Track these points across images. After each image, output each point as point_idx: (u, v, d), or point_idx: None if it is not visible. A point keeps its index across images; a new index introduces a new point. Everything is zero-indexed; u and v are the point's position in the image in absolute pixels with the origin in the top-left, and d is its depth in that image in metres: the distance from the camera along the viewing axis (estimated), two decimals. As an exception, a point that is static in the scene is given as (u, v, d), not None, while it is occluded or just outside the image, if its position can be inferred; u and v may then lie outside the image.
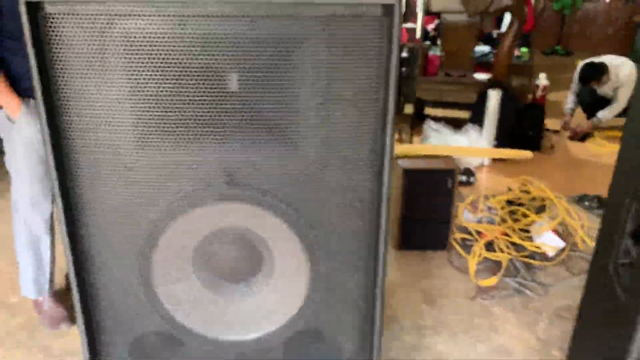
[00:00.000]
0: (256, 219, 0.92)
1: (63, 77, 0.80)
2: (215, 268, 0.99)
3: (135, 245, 0.91)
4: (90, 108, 0.82)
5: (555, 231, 2.21)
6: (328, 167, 0.87)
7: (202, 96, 0.83)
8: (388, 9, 0.78)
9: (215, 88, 0.82)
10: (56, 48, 0.79)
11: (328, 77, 0.82)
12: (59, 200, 0.86)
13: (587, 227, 2.37)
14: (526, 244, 2.14)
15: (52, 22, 0.77)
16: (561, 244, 2.14)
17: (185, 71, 0.81)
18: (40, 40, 0.78)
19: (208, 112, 0.83)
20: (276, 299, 0.99)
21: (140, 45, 0.79)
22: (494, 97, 3.02)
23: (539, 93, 4.06)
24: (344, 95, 0.83)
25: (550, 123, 3.84)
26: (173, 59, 0.80)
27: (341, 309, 0.98)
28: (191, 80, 0.82)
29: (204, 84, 0.82)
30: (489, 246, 2.16)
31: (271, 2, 0.77)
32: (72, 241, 0.89)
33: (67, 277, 1.99)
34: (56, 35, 0.78)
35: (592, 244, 2.21)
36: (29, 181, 1.55)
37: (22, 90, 1.48)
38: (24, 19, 0.76)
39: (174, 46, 0.79)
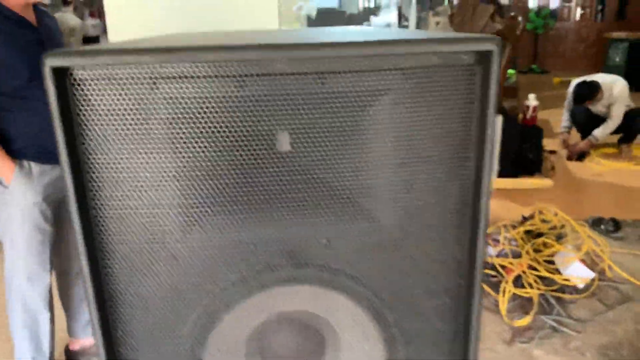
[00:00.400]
0: (322, 301, 0.78)
1: (95, 152, 0.66)
2: (271, 358, 0.84)
3: (182, 346, 0.76)
4: (128, 186, 0.68)
5: (582, 261, 2.12)
6: (409, 239, 0.74)
7: (260, 166, 0.69)
8: (484, 56, 0.67)
9: (276, 156, 0.69)
10: (87, 118, 0.65)
11: (410, 134, 0.70)
12: (90, 296, 0.71)
13: (609, 252, 2.29)
14: (555, 277, 2.04)
15: (82, 89, 0.64)
16: (590, 274, 2.04)
17: (242, 139, 0.68)
18: (67, 108, 0.64)
19: (268, 183, 0.70)
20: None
21: (189, 112, 0.66)
22: (497, 123, 2.96)
23: (529, 114, 4.04)
24: (428, 155, 0.71)
25: (545, 143, 3.81)
26: (227, 125, 0.67)
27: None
28: (248, 148, 0.69)
29: (263, 152, 0.69)
30: (516, 281, 2.05)
31: (349, 56, 0.65)
32: (107, 344, 0.74)
33: (66, 350, 1.80)
34: (87, 103, 0.64)
35: (619, 271, 2.12)
36: (24, 254, 1.38)
37: (15, 152, 1.33)
38: (50, 86, 0.62)
39: (229, 111, 0.66)
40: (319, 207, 0.72)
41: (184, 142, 0.67)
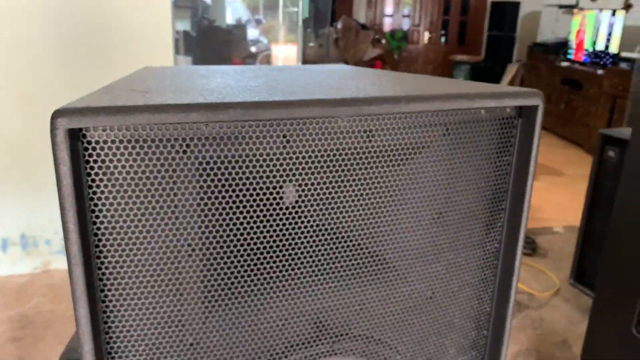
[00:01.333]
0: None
1: (109, 227, 0.53)
2: None
3: None
4: (146, 269, 0.55)
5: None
6: (446, 299, 0.71)
7: (289, 230, 0.61)
8: (527, 110, 0.66)
9: (310, 220, 0.61)
10: (101, 186, 0.51)
11: (447, 189, 0.67)
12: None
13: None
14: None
15: (98, 153, 0.50)
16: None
17: (277, 202, 0.59)
18: (78, 174, 0.50)
19: (296, 249, 0.62)
20: None
21: (224, 176, 0.55)
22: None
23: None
24: (466, 210, 0.68)
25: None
26: (264, 188, 0.58)
27: None
28: (283, 213, 0.60)
29: (299, 215, 0.61)
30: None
31: (395, 113, 0.60)
32: None
33: None
34: (102, 171, 0.51)
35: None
36: None
37: None
38: (62, 150, 0.47)
39: (268, 172, 0.57)
40: (352, 272, 0.66)
41: (213, 209, 0.56)
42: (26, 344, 1.94)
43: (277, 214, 0.59)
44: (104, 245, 0.52)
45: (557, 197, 3.56)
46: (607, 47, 4.96)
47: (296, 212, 0.61)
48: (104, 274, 0.53)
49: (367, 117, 0.58)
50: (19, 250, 2.46)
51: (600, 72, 4.78)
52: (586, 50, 5.25)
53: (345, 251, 0.65)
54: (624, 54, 4.79)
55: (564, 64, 5.53)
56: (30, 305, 2.21)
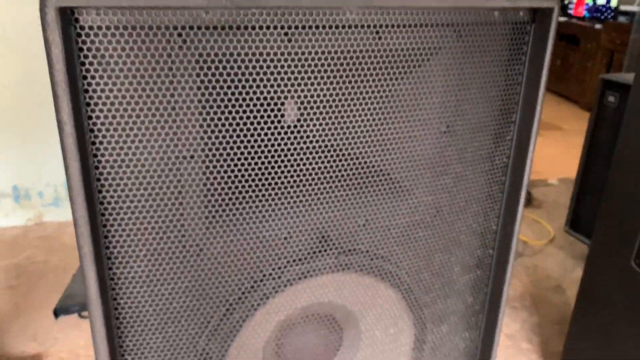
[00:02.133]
0: (348, 288, 0.70)
1: (105, 122, 0.50)
2: (289, 359, 0.74)
3: (200, 358, 0.63)
4: (145, 169, 0.53)
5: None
6: (452, 213, 0.69)
7: (293, 140, 0.59)
8: (541, 14, 0.63)
9: (312, 130, 0.59)
10: (96, 77, 0.48)
11: (458, 98, 0.64)
12: (95, 309, 0.55)
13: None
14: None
15: (92, 40, 0.47)
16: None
17: (278, 106, 0.56)
18: (72, 62, 0.47)
19: (301, 160, 0.60)
20: (367, 381, 0.78)
21: (222, 76, 0.52)
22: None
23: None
24: (476, 121, 0.66)
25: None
26: (265, 90, 0.55)
27: (448, 376, 0.81)
28: (287, 124, 0.57)
29: (304, 125, 0.58)
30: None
31: (407, 7, 0.56)
32: (113, 377, 0.58)
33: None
34: (97, 60, 0.48)
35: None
36: None
37: None
38: (55, 34, 0.44)
39: (270, 69, 0.54)
40: (357, 187, 0.64)
41: (215, 108, 0.53)
42: (21, 292, 1.93)
43: (280, 126, 0.56)
44: (101, 142, 0.49)
45: (553, 151, 3.56)
46: (608, 0, 4.87)
47: (301, 125, 0.58)
48: (101, 173, 0.50)
49: (377, 11, 0.54)
50: (11, 202, 2.43)
51: (598, 26, 4.71)
52: (587, 4, 5.16)
53: (350, 165, 0.63)
54: (623, 8, 4.71)
55: (562, 19, 5.44)
56: (24, 256, 2.19)
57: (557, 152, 3.58)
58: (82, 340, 1.70)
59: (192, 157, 0.53)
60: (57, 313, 1.77)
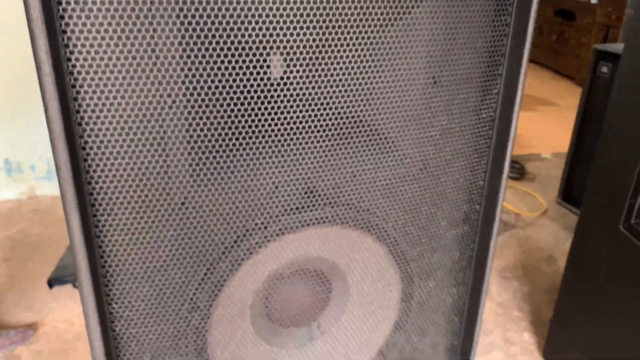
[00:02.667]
0: (336, 243, 0.71)
1: (85, 65, 0.49)
2: (275, 315, 0.75)
3: (185, 315, 0.64)
4: (125, 110, 0.52)
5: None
6: (438, 167, 0.69)
7: (279, 91, 0.58)
8: (529, -39, 0.62)
9: (295, 82, 0.59)
10: (74, 17, 0.48)
11: (445, 48, 0.64)
12: (81, 262, 0.55)
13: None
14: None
15: (68, -20, 0.46)
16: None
17: (261, 55, 0.56)
18: (48, 4, 0.46)
19: (287, 112, 0.59)
20: (356, 334, 0.79)
21: (206, 14, 0.52)
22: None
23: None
24: (463, 72, 0.66)
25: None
26: (251, 37, 0.54)
27: (435, 331, 0.82)
28: (271, 78, 0.57)
29: (289, 72, 0.58)
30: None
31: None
32: (101, 320, 0.58)
33: None
34: (75, 0, 0.47)
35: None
36: None
37: None
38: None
39: (255, 18, 0.54)
40: (342, 139, 0.63)
41: (198, 53, 0.52)
42: (15, 264, 1.94)
43: (265, 77, 0.56)
44: (81, 86, 0.49)
45: (547, 126, 3.56)
46: (603, -25, 4.82)
47: (287, 77, 0.58)
48: (82, 117, 0.50)
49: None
50: (3, 176, 2.42)
51: (594, 1, 4.68)
52: (581, -21, 5.11)
53: (336, 117, 0.62)
54: (619, -17, 4.66)
55: (558, -5, 5.39)
56: (17, 229, 2.19)
57: (551, 127, 3.58)
58: (77, 309, 1.71)
59: (174, 102, 0.53)
60: (51, 283, 1.78)
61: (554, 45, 5.19)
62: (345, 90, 0.61)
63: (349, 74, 0.60)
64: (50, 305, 1.72)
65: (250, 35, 0.53)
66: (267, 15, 0.54)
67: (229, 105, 0.55)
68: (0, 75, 2.29)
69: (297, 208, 0.64)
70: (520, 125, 3.53)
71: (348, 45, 0.59)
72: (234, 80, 0.54)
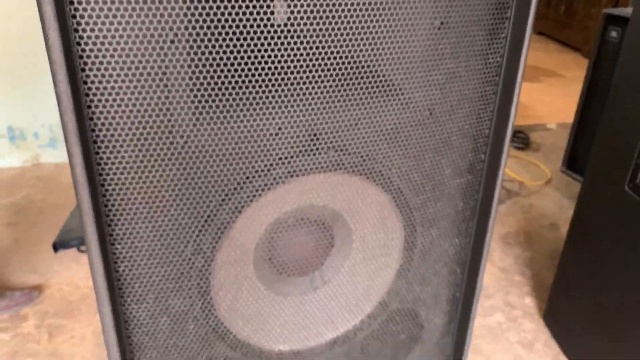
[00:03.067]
0: (340, 191, 0.70)
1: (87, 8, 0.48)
2: (278, 263, 0.75)
3: (188, 258, 0.64)
4: (127, 43, 0.51)
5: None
6: (443, 114, 0.69)
7: (281, 36, 0.57)
8: None
9: (298, 26, 0.57)
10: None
11: (451, -9, 0.62)
12: (84, 203, 0.55)
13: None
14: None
15: None
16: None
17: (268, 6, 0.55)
18: None
19: (289, 57, 0.58)
20: (358, 283, 0.79)
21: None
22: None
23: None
24: (470, 14, 0.64)
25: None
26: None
27: (437, 281, 0.82)
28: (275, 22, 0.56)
29: (293, 18, 0.57)
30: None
31: None
32: (104, 260, 0.58)
33: None
34: None
35: (506, 171, 2.34)
36: None
37: None
38: None
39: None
40: (347, 84, 0.62)
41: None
42: (20, 229, 1.95)
43: (268, 20, 0.55)
44: (82, 16, 0.48)
45: (553, 97, 3.53)
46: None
47: (290, 23, 0.57)
48: (83, 50, 0.49)
49: None
50: (7, 144, 2.42)
51: (604, -29, 4.58)
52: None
53: (341, 62, 0.61)
54: (630, -48, 4.56)
55: (567, -35, 5.27)
56: (22, 195, 2.20)
57: (556, 98, 3.55)
58: (82, 272, 1.72)
59: (175, 36, 0.52)
60: (56, 247, 1.80)
61: (562, 16, 5.11)
62: (350, 35, 0.60)
63: (354, 17, 0.59)
64: (55, 268, 1.73)
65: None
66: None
67: (231, 48, 0.54)
68: (3, 43, 2.27)
69: (300, 152, 0.64)
70: (525, 96, 3.50)
71: (353, -16, 0.58)
72: (237, 26, 0.53)
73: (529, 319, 1.54)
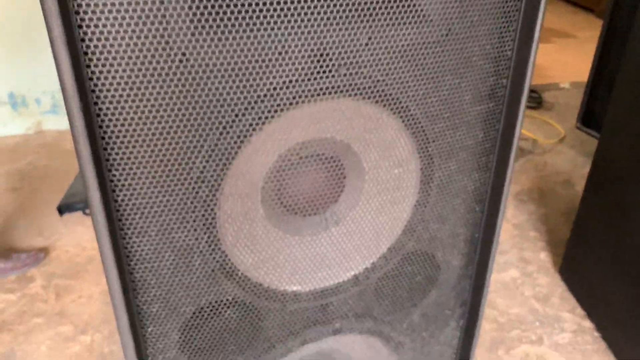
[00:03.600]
0: (350, 120, 0.66)
1: None
2: (287, 202, 0.71)
3: (195, 182, 0.60)
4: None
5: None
6: (462, 32, 0.63)
7: None
8: None
9: None
10: None
11: None
12: (79, 129, 0.50)
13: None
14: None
15: None
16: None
17: None
18: None
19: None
20: (372, 221, 0.75)
21: None
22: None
23: None
24: None
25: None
26: None
27: (455, 220, 0.78)
28: None
29: None
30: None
31: None
32: (102, 191, 0.55)
33: None
34: None
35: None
36: None
37: None
38: None
39: None
40: (359, 2, 0.57)
41: None
42: (25, 193, 1.93)
43: None
44: None
45: (565, 57, 3.43)
46: None
47: None
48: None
49: None
50: (9, 110, 2.38)
51: None
52: None
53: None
54: None
55: None
56: (25, 162, 2.18)
57: (569, 58, 3.45)
58: (88, 234, 1.70)
59: None
60: (61, 210, 1.77)
61: (574, -24, 4.95)
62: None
63: None
64: (61, 231, 1.71)
65: None
66: None
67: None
68: (3, 7, 2.21)
69: (307, 75, 0.59)
70: (537, 56, 3.40)
71: None
72: None
73: (544, 273, 1.51)
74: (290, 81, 0.59)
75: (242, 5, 0.53)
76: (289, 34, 0.56)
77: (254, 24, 0.55)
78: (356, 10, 0.58)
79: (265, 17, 0.55)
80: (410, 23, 0.61)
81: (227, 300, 0.69)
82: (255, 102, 0.58)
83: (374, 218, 0.75)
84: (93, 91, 0.51)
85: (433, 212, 0.75)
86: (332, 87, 0.62)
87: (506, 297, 1.42)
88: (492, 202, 0.78)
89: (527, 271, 1.52)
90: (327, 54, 0.59)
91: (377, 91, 0.63)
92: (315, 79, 0.60)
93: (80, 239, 1.67)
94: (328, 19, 0.57)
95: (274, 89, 0.59)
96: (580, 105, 2.25)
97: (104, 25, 0.48)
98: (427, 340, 0.87)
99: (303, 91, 0.60)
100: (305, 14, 0.56)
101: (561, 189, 1.95)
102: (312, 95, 0.61)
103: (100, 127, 0.52)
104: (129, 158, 0.55)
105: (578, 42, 3.80)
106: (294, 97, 0.60)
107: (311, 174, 0.70)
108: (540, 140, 2.27)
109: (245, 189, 0.65)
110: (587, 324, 1.32)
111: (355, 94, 0.63)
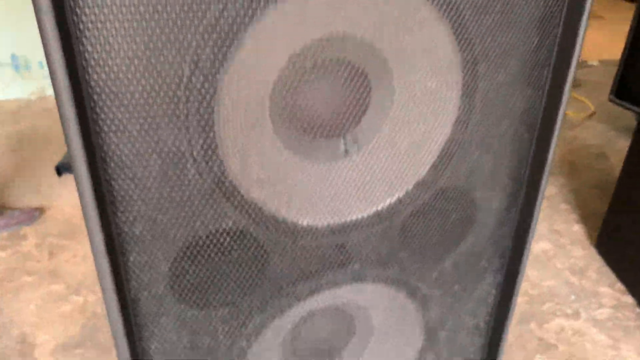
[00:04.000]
0: (376, 12, 0.54)
1: None
2: (301, 116, 0.59)
3: (188, 65, 0.48)
4: None
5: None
6: None
7: None
8: None
9: None
10: None
11: None
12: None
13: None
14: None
15: None
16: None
17: None
18: None
19: None
20: (399, 147, 0.64)
21: None
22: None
23: None
24: None
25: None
26: None
27: (500, 147, 0.66)
28: None
29: None
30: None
31: None
32: (70, 67, 0.43)
33: None
34: None
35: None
36: None
37: None
38: None
39: None
40: None
41: None
42: (24, 154, 1.84)
43: None
44: None
45: (594, 36, 3.27)
46: None
47: None
48: None
49: None
50: (11, 72, 2.29)
51: None
52: None
53: None
54: None
55: None
56: (26, 125, 2.08)
57: (597, 38, 3.30)
58: (87, 196, 1.60)
59: None
60: (59, 170, 1.68)
61: (601, -42, 4.77)
62: None
63: None
64: (59, 191, 1.62)
65: None
66: None
67: None
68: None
69: None
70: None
71: None
72: None
73: (579, 245, 1.38)
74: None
75: None
76: None
77: None
78: None
79: None
80: None
81: (228, 227, 0.58)
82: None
83: (402, 144, 0.63)
84: None
85: (474, 135, 0.63)
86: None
87: (538, 268, 1.30)
88: (543, 127, 0.66)
89: (560, 243, 1.40)
90: None
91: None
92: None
93: (78, 200, 1.58)
94: None
95: None
96: (613, 78, 2.11)
97: None
98: (459, 296, 0.76)
99: None
100: None
101: (595, 163, 1.81)
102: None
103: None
104: (101, 22, 0.43)
105: (606, 22, 3.64)
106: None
107: (329, 85, 0.59)
108: (570, 114, 2.13)
109: (251, 93, 0.53)
110: (629, 299, 1.20)
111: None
